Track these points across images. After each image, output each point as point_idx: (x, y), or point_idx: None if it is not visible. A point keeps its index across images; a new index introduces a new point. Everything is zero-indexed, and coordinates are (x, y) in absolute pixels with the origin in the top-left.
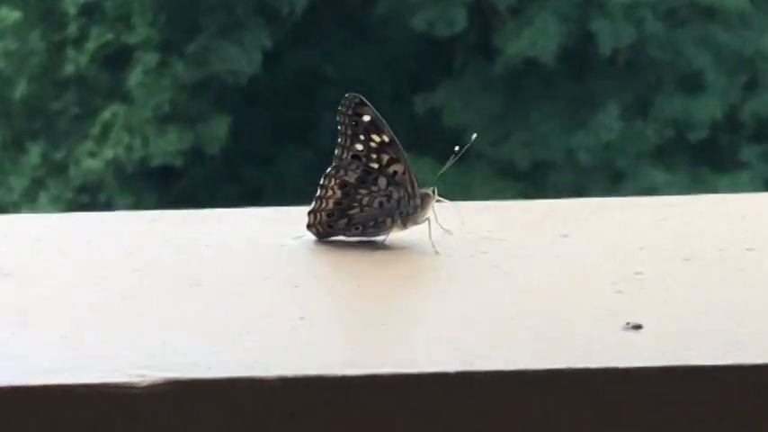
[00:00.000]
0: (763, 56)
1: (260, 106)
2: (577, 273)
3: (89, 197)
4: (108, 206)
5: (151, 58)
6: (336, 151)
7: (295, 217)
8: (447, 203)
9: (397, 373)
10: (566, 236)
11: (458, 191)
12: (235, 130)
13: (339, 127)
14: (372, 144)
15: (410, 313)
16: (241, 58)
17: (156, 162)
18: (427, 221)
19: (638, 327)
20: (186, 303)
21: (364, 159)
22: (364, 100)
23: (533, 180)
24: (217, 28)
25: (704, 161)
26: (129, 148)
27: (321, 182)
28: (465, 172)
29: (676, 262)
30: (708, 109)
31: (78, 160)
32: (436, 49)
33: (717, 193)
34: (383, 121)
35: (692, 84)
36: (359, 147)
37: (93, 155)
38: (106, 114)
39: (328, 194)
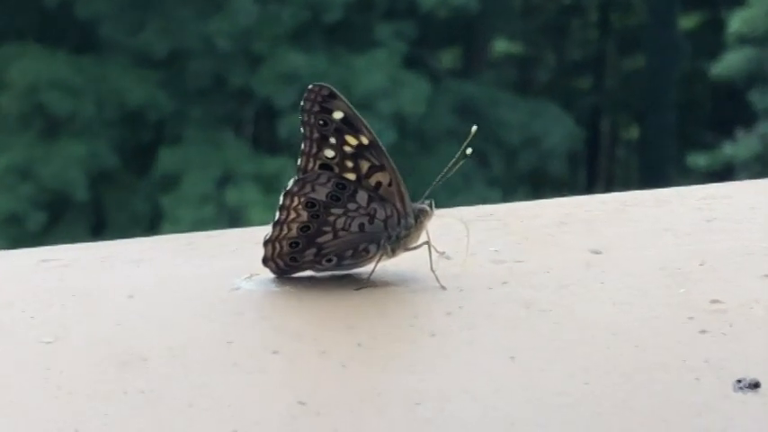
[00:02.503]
0: None
1: None
2: (638, 307)
3: None
4: None
5: None
6: (299, 161)
7: (231, 243)
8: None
9: None
10: (597, 252)
11: (97, 84)
12: None
13: (302, 129)
14: (347, 149)
15: (442, 384)
16: None
17: None
18: (426, 246)
19: (755, 385)
20: (132, 393)
21: (337, 169)
22: (335, 91)
23: (172, 68)
24: None
25: (341, 41)
26: None
27: (281, 202)
28: (101, 63)
29: (753, 281)
30: None
31: None
32: None
33: (355, 71)
34: (360, 117)
35: None
36: (329, 153)
37: None
38: None
39: (291, 218)
